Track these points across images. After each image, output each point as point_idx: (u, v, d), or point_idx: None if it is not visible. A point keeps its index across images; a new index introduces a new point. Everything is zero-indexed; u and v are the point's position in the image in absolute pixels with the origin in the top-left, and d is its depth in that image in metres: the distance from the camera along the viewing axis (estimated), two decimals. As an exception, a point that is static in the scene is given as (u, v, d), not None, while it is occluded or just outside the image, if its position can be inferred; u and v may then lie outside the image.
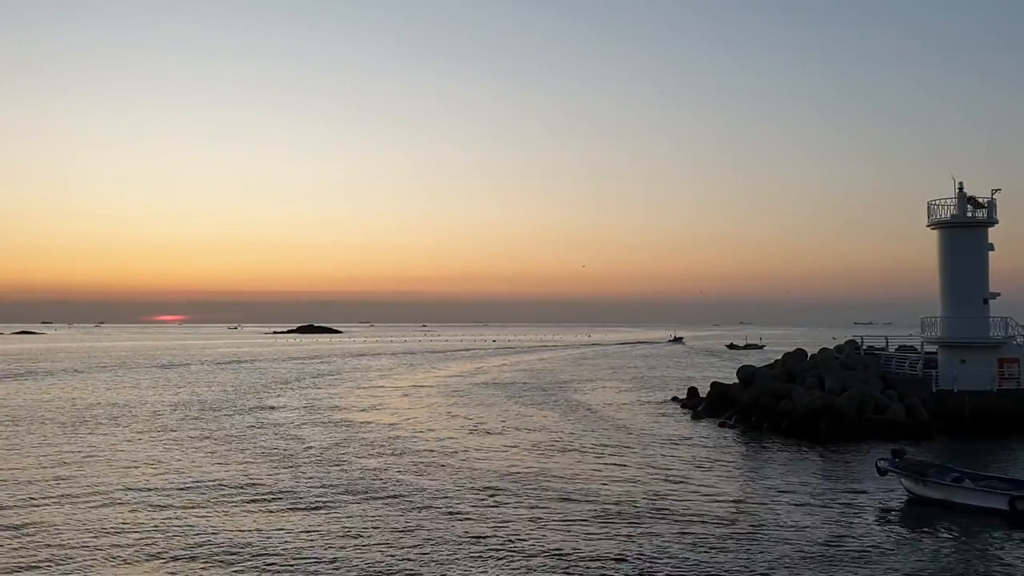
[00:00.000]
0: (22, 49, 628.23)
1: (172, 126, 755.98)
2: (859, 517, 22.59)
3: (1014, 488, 23.01)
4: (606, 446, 35.56)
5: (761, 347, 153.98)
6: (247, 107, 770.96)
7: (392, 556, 19.02)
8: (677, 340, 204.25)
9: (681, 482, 27.75)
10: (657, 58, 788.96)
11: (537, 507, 23.92)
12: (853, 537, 20.43)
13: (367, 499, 24.99)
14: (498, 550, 19.52)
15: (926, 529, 21.32)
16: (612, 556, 18.98)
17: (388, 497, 25.24)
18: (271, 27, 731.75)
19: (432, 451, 34.26)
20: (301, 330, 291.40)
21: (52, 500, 24.71)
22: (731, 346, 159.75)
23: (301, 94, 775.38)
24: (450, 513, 23.17)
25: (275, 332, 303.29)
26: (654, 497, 25.36)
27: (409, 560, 18.72)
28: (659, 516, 22.84)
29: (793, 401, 40.46)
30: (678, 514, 23.07)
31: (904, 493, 25.02)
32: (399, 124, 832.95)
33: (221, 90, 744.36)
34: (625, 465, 30.93)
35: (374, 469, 30.02)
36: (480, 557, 18.99)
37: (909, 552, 19.18)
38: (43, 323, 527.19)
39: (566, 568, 18.15)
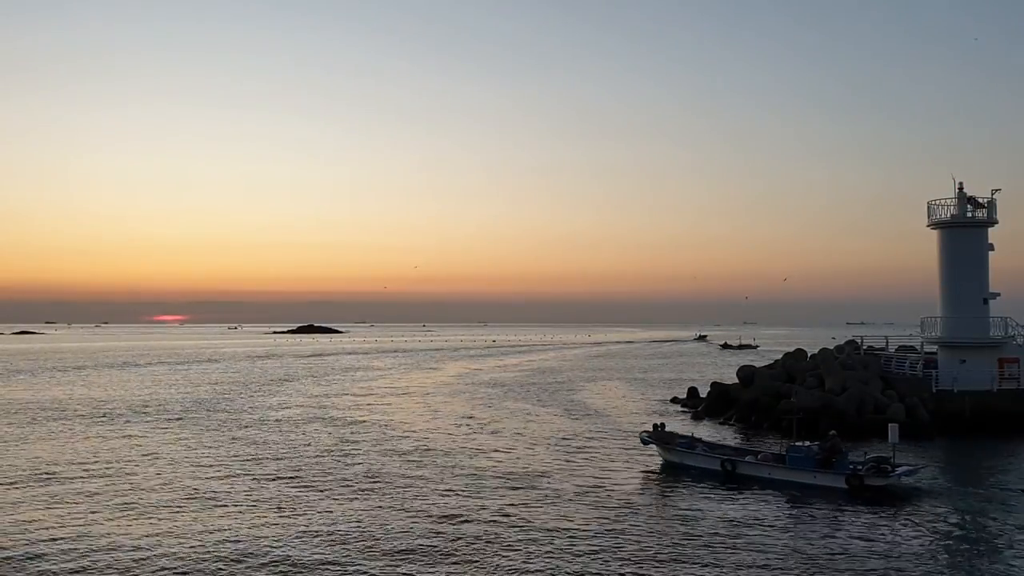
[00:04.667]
0: (22, 49, 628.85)
1: (173, 126, 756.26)
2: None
3: (728, 453, 30.23)
4: (604, 447, 35.51)
5: (755, 347, 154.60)
6: (248, 107, 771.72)
7: (381, 550, 19.12)
8: (701, 338, 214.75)
9: (680, 484, 27.83)
10: (662, 58, 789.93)
11: (533, 507, 23.94)
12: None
13: (364, 494, 25.09)
14: (492, 549, 19.57)
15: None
16: (602, 555, 19.03)
17: (383, 492, 25.35)
18: (273, 26, 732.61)
19: (428, 450, 34.26)
20: (301, 330, 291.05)
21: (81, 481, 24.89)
22: (725, 346, 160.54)
23: (303, 94, 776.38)
24: (443, 510, 23.22)
25: (275, 332, 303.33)
26: (651, 498, 25.47)
27: (396, 556, 18.82)
28: (655, 517, 22.88)
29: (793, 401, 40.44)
30: (674, 516, 23.15)
31: (660, 459, 31.69)
32: (402, 124, 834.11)
33: (222, 90, 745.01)
34: (623, 467, 30.97)
35: (373, 466, 30.08)
36: (472, 555, 19.03)
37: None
38: (46, 323, 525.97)
39: (555, 565, 18.20)
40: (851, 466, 26.80)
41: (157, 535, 20.91)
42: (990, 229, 41.47)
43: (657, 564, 18.49)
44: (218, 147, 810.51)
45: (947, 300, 41.44)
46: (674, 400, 55.49)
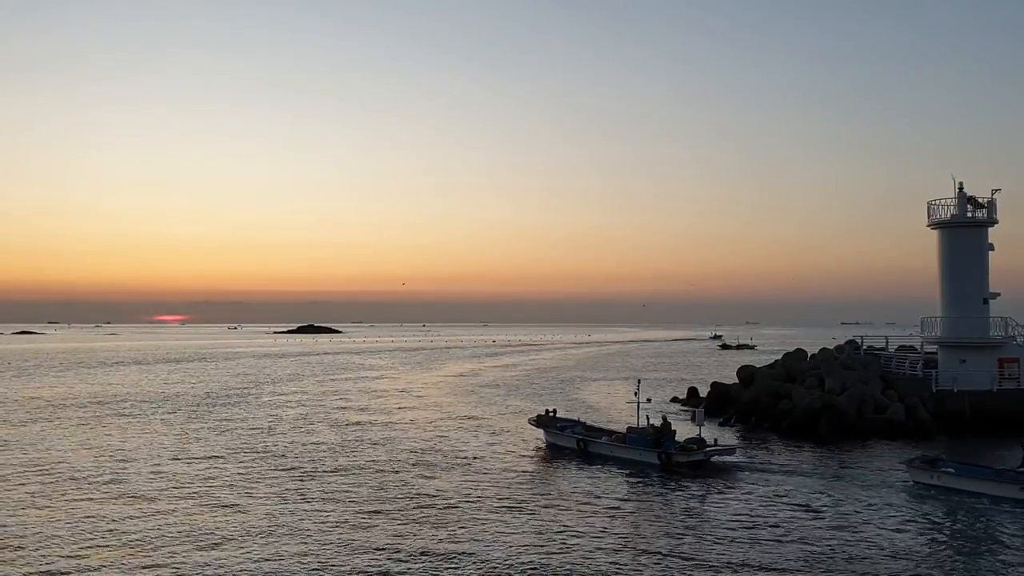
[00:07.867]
0: (22, 49, 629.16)
1: (173, 126, 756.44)
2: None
3: (582, 433, 34.80)
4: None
5: (753, 347, 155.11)
6: (249, 106, 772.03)
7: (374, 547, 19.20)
8: (716, 337, 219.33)
9: (680, 485, 27.88)
10: (665, 58, 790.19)
11: (530, 507, 24.04)
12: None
13: (364, 491, 25.23)
14: (487, 551, 19.63)
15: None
16: (596, 554, 19.10)
17: (383, 490, 25.47)
18: (274, 25, 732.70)
19: (428, 449, 34.35)
20: (301, 330, 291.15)
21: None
22: (723, 346, 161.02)
23: (303, 93, 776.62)
24: (441, 505, 23.35)
25: (275, 332, 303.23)
26: (649, 498, 25.48)
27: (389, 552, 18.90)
28: (654, 517, 22.95)
29: (793, 401, 40.47)
30: (674, 517, 23.22)
31: (544, 441, 36.37)
32: (404, 124, 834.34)
33: (223, 89, 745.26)
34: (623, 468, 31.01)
35: (373, 463, 30.22)
36: (465, 554, 19.11)
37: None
38: (48, 323, 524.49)
39: (550, 564, 18.26)
40: (674, 446, 30.57)
41: (162, 533, 21.01)
42: (990, 229, 41.45)
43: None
44: (218, 147, 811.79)
45: (947, 300, 41.42)
46: (674, 400, 55.48)
